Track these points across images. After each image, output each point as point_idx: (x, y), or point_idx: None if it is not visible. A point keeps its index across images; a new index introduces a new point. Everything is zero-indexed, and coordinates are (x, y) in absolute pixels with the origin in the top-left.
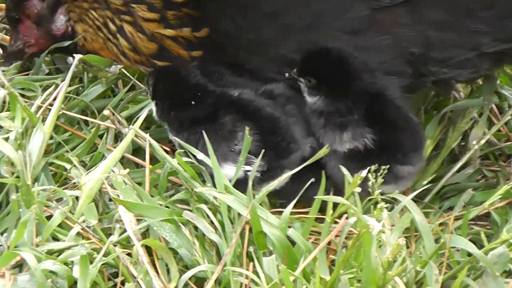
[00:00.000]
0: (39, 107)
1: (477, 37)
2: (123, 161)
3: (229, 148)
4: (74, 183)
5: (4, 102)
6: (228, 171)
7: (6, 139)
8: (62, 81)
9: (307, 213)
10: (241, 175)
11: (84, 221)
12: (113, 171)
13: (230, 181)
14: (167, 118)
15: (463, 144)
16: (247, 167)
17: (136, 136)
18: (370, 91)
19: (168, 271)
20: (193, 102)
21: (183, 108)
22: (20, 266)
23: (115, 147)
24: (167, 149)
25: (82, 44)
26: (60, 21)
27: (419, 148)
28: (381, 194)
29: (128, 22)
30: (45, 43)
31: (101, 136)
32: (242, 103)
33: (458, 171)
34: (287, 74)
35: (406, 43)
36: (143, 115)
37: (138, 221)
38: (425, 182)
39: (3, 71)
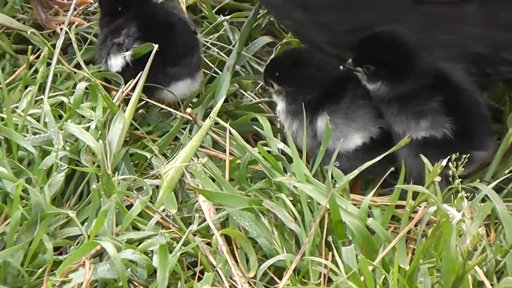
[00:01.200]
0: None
1: None
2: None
3: None
4: (154, 173)
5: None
6: None
7: (87, 128)
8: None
9: (387, 201)
10: None
11: (163, 211)
12: (192, 159)
13: None
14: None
15: None
16: None
17: (215, 124)
18: (432, 70)
19: (247, 261)
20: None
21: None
22: (100, 255)
23: None
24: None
25: None
26: None
27: (491, 131)
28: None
29: None
30: None
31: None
32: None
33: None
34: (341, 67)
35: (470, 43)
36: (220, 102)
37: (217, 210)
38: (507, 171)
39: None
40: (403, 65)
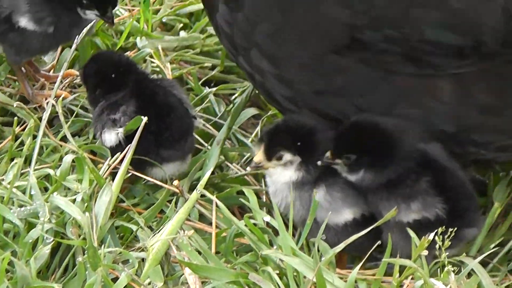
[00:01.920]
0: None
1: None
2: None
3: None
4: (140, 245)
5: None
6: None
7: (73, 201)
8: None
9: (373, 274)
10: None
11: (150, 283)
12: (178, 232)
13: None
14: None
15: None
16: None
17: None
18: (414, 152)
19: None
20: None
21: None
22: None
23: None
24: None
25: None
26: None
27: (478, 208)
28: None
29: None
30: None
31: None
32: None
33: None
34: (319, 162)
35: (438, 120)
36: (206, 174)
37: (203, 283)
38: (492, 246)
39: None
40: (386, 151)
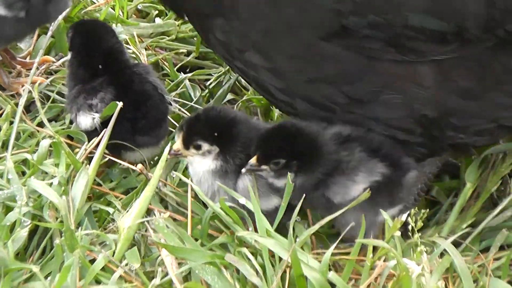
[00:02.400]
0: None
1: (500, 110)
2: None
3: None
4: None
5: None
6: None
7: (50, 184)
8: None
9: (347, 254)
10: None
11: (127, 265)
12: (154, 214)
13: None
14: None
15: (502, 188)
16: None
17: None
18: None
19: None
20: None
21: None
22: None
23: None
24: None
25: None
26: None
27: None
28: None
29: None
30: None
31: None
32: None
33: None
34: (244, 170)
35: (420, 105)
36: (164, 154)
37: (180, 264)
38: (464, 226)
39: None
40: (314, 154)
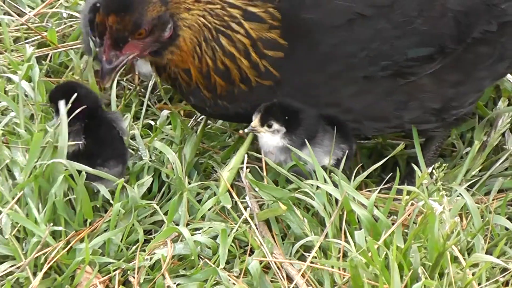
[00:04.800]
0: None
1: (481, 82)
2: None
3: None
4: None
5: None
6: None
7: (170, 144)
8: None
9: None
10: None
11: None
12: (242, 167)
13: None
14: None
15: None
16: None
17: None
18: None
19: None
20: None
21: None
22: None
23: None
24: None
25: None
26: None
27: None
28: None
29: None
30: (147, 50)
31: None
32: None
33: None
34: (246, 130)
35: (429, 103)
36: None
37: (260, 206)
38: (473, 173)
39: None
40: (295, 115)
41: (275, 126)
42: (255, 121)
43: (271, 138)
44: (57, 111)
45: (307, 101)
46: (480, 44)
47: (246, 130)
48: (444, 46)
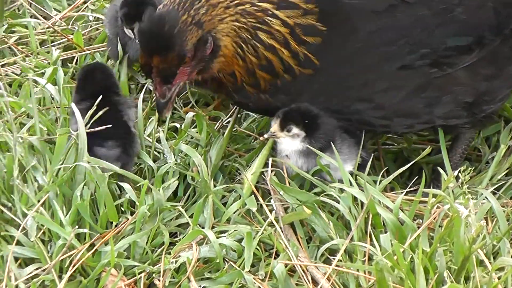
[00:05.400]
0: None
1: None
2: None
3: None
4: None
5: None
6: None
7: (196, 147)
8: None
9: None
10: None
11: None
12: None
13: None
14: None
15: None
16: None
17: None
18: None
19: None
20: None
21: None
22: (203, 240)
23: None
24: None
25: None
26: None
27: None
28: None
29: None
30: (194, 72)
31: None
32: None
33: None
34: (266, 135)
35: (461, 96)
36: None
37: (285, 209)
38: (499, 177)
39: None
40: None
41: (295, 130)
42: (275, 126)
43: (291, 143)
44: None
45: (338, 95)
46: None
47: (265, 136)
48: (482, 36)
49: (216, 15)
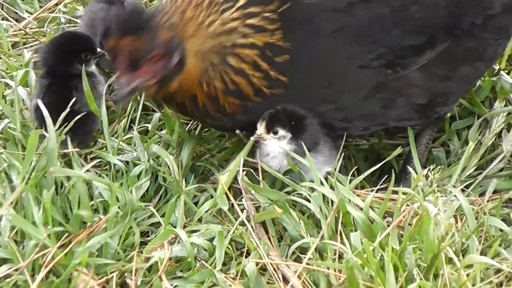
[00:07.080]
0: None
1: (466, 81)
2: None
3: None
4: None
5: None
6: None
7: (166, 148)
8: None
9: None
10: None
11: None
12: (238, 171)
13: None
14: None
15: (499, 143)
16: None
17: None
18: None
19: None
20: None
21: None
22: (175, 239)
23: None
24: None
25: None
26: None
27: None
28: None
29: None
30: (158, 76)
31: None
32: None
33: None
34: (252, 138)
35: (415, 98)
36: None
37: (257, 208)
38: (468, 173)
39: None
40: (300, 121)
41: (281, 132)
42: (261, 128)
43: (276, 145)
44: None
45: (304, 98)
46: (467, 38)
47: (252, 138)
48: (435, 35)
49: (188, 30)
